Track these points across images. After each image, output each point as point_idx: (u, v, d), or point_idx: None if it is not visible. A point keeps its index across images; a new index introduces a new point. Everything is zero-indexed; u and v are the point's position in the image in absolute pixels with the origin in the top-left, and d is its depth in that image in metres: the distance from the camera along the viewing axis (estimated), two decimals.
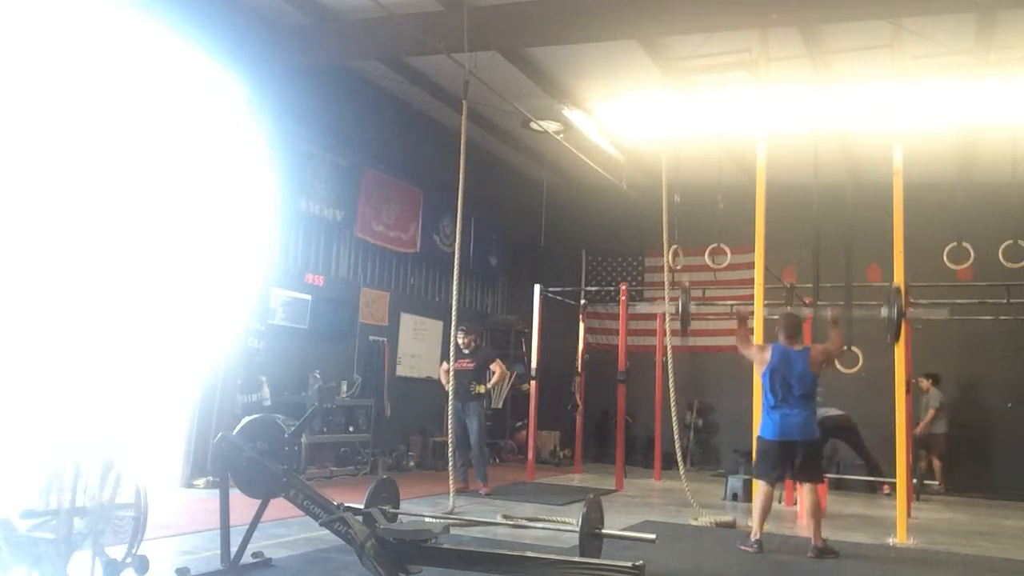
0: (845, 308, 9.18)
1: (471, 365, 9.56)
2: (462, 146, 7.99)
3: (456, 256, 8.16)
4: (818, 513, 6.63)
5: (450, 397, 8.11)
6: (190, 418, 8.73)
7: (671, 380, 8.85)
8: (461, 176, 7.96)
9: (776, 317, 7.39)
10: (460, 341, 9.39)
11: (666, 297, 9.51)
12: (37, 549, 3.92)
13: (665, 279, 9.45)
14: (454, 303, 8.16)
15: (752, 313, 7.83)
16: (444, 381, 9.61)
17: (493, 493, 9.30)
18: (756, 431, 7.06)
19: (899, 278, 7.88)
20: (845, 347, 8.14)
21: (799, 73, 9.22)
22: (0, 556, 3.86)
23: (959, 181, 10.80)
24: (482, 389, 9.76)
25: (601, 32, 8.56)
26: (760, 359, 6.88)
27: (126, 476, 4.22)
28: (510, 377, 13.98)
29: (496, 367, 9.80)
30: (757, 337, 8.04)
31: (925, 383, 11.83)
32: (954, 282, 10.69)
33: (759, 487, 6.86)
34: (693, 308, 13.45)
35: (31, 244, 7.00)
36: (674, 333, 10.33)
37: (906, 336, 8.19)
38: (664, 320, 10.97)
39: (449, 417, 8.07)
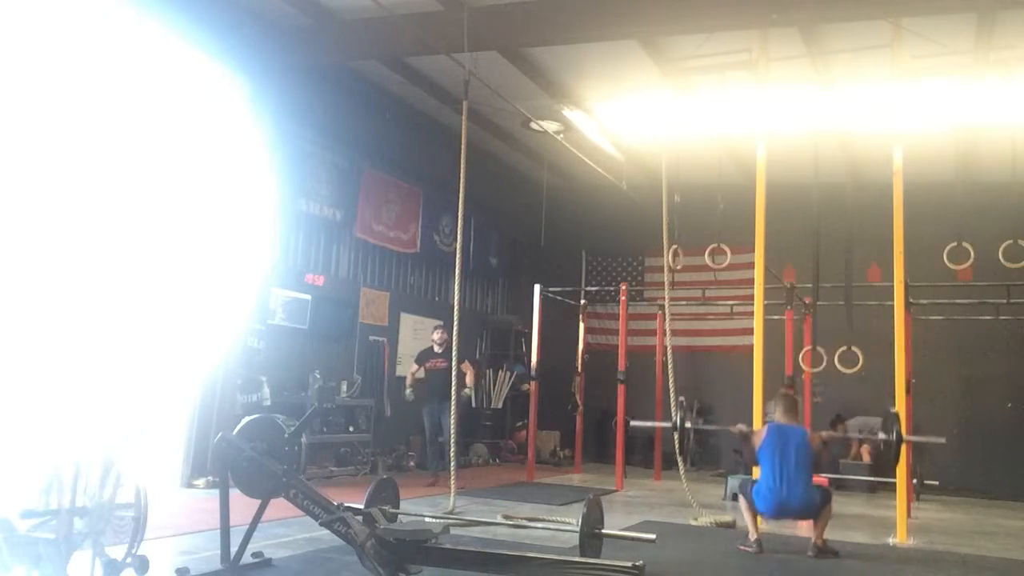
0: (845, 310, 9.22)
1: (444, 364, 9.59)
2: (462, 146, 8.00)
3: (456, 256, 8.17)
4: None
5: (408, 387, 9.34)
6: (190, 418, 8.74)
7: (671, 380, 8.84)
8: (462, 176, 7.97)
9: (771, 401, 7.34)
10: (435, 337, 9.74)
11: (666, 297, 9.50)
12: (37, 549, 3.92)
13: (665, 279, 9.45)
14: (455, 303, 8.16)
15: (750, 427, 7.55)
16: (409, 383, 10.08)
17: (488, 493, 9.30)
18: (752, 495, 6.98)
19: (899, 278, 7.89)
20: (845, 348, 8.15)
21: (799, 73, 9.23)
22: (0, 556, 3.86)
23: (959, 181, 10.79)
24: (470, 392, 9.96)
25: (601, 32, 8.56)
26: (758, 439, 6.75)
27: (126, 476, 4.22)
28: (510, 378, 14.03)
29: (466, 368, 9.83)
30: (757, 337, 8.07)
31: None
32: (954, 282, 10.69)
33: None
34: (693, 308, 13.58)
35: (32, 244, 7.00)
36: (674, 333, 10.32)
37: (906, 336, 8.20)
38: (664, 320, 10.97)
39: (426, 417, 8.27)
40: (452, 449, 8.07)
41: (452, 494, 7.88)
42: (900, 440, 6.72)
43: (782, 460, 6.49)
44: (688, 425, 7.77)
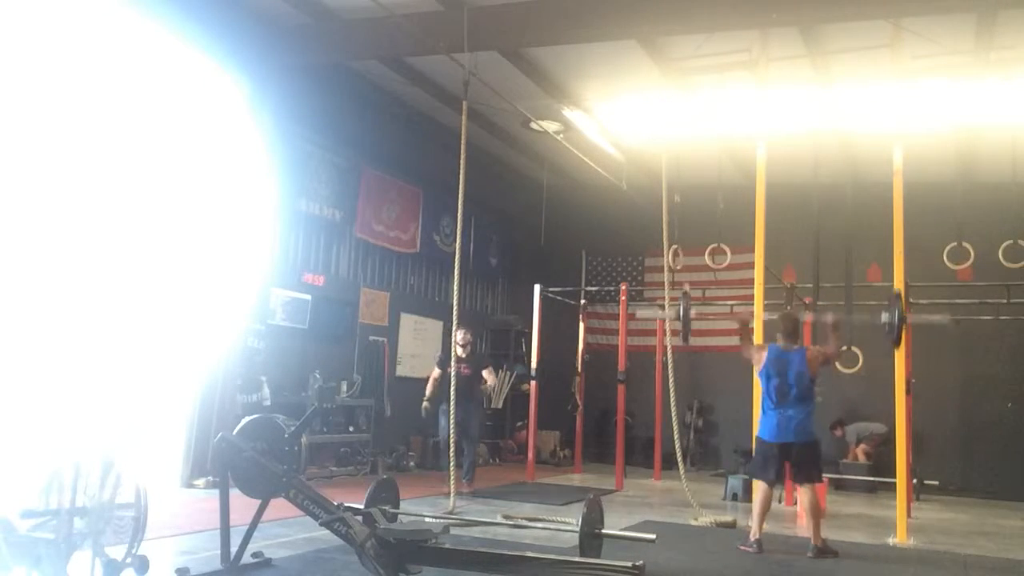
0: (845, 310, 9.22)
1: (468, 371, 9.31)
2: (462, 146, 7.99)
3: (456, 256, 8.15)
4: (817, 513, 6.65)
5: (426, 400, 9.20)
6: (190, 418, 8.73)
7: (671, 380, 8.84)
8: (461, 176, 7.96)
9: (775, 318, 7.38)
10: (458, 339, 8.99)
11: (666, 298, 9.50)
12: (37, 549, 3.92)
13: (665, 279, 9.45)
14: (454, 303, 8.16)
15: (752, 315, 7.82)
16: (430, 388, 9.47)
17: (487, 493, 9.29)
18: (756, 430, 7.07)
19: (899, 278, 7.89)
20: (844, 348, 8.14)
21: (799, 73, 9.23)
22: (0, 556, 3.86)
23: (959, 181, 10.79)
24: (490, 392, 9.84)
25: (601, 32, 8.56)
26: (757, 358, 6.89)
27: (126, 476, 4.22)
28: (510, 378, 14.03)
29: (488, 374, 9.65)
30: (757, 337, 8.05)
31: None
32: (954, 282, 10.69)
33: (758, 487, 6.87)
34: (693, 308, 13.55)
35: (32, 245, 7.00)
36: (674, 334, 10.32)
37: (906, 336, 8.20)
38: (664, 320, 10.97)
39: (452, 419, 8.00)
40: (452, 451, 7.98)
41: (452, 495, 7.87)
42: (903, 320, 6.71)
43: (781, 385, 6.65)
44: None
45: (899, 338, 6.86)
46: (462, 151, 7.96)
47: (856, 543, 7.24)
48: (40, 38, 7.03)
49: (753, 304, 8.45)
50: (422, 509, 7.33)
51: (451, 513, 7.35)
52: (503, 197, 14.55)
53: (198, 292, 8.79)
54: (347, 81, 10.97)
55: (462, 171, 7.93)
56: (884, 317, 6.96)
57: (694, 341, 14.02)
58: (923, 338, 11.05)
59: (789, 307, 10.51)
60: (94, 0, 7.59)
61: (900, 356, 7.84)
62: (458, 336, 8.91)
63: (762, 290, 8.39)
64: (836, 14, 7.99)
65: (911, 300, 9.47)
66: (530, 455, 11.62)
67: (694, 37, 8.70)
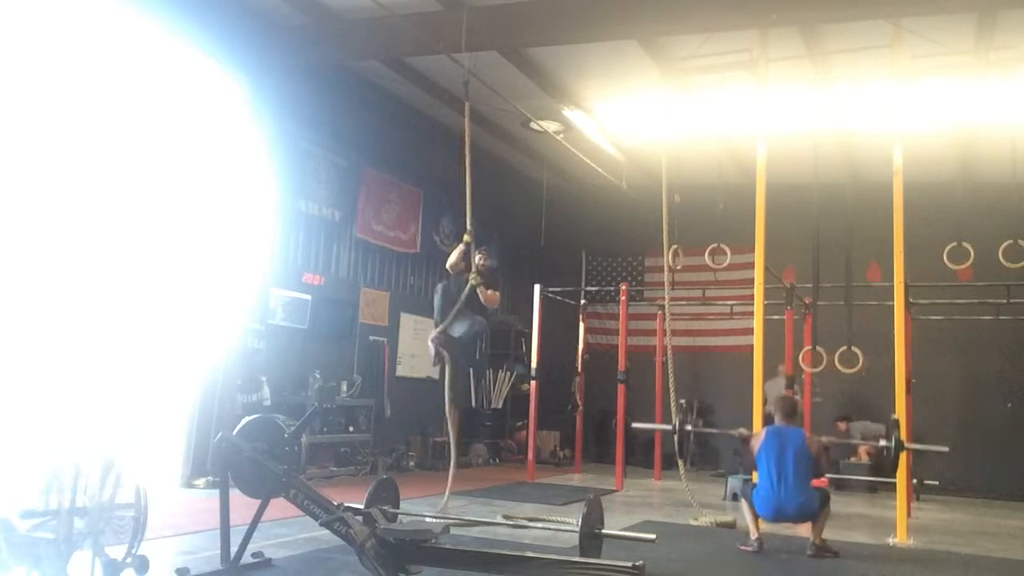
0: (845, 310, 9.22)
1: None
2: (467, 147, 7.90)
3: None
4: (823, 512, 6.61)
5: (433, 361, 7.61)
6: (190, 418, 8.73)
7: (671, 380, 8.84)
8: (468, 177, 7.66)
9: (771, 405, 7.27)
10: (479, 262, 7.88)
11: (666, 297, 9.49)
12: (37, 549, 3.92)
13: (665, 279, 9.44)
14: (447, 389, 8.04)
15: (748, 432, 7.52)
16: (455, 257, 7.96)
17: (487, 493, 9.28)
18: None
19: (899, 278, 7.89)
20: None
21: (799, 73, 9.23)
22: (0, 556, 3.86)
23: (959, 181, 10.80)
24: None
25: (601, 32, 8.56)
26: (755, 442, 6.72)
27: (126, 476, 4.22)
28: (510, 378, 14.00)
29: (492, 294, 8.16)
30: (757, 334, 8.07)
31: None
32: (954, 282, 10.69)
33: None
34: (693, 308, 13.57)
35: (32, 245, 7.00)
36: (674, 333, 10.32)
37: (907, 336, 8.20)
38: (664, 320, 10.97)
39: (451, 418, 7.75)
40: (454, 452, 7.79)
41: (447, 494, 7.84)
42: (900, 447, 6.71)
43: (780, 464, 6.46)
44: (688, 428, 7.73)
45: (896, 464, 6.89)
46: (467, 151, 7.82)
47: (856, 543, 7.24)
48: (40, 38, 7.03)
49: (753, 304, 8.45)
50: (422, 509, 7.32)
51: (444, 512, 7.26)
52: (503, 197, 14.53)
53: (198, 292, 8.79)
54: (347, 81, 10.96)
55: (468, 172, 7.53)
56: (883, 442, 6.98)
57: (694, 341, 14.17)
58: (923, 338, 11.06)
59: (782, 370, 10.83)
60: (94, 0, 7.59)
61: (900, 356, 7.84)
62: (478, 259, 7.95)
63: (762, 290, 8.39)
64: (836, 14, 7.99)
65: (911, 300, 9.46)
66: (530, 455, 11.62)
67: (694, 37, 8.69)
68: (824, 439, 7.07)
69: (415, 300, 12.94)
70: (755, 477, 6.89)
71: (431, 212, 13.01)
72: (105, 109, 7.65)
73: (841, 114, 9.18)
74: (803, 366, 10.18)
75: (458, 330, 7.95)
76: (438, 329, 7.79)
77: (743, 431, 7.02)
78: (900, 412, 7.72)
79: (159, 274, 8.34)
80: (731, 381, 12.49)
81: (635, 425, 9.40)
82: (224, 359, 8.93)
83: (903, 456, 7.00)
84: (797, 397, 10.45)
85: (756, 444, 6.69)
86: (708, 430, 11.41)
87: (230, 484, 4.97)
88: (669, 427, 7.98)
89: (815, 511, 6.49)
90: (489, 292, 8.03)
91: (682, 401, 8.39)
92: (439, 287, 8.11)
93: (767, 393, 8.55)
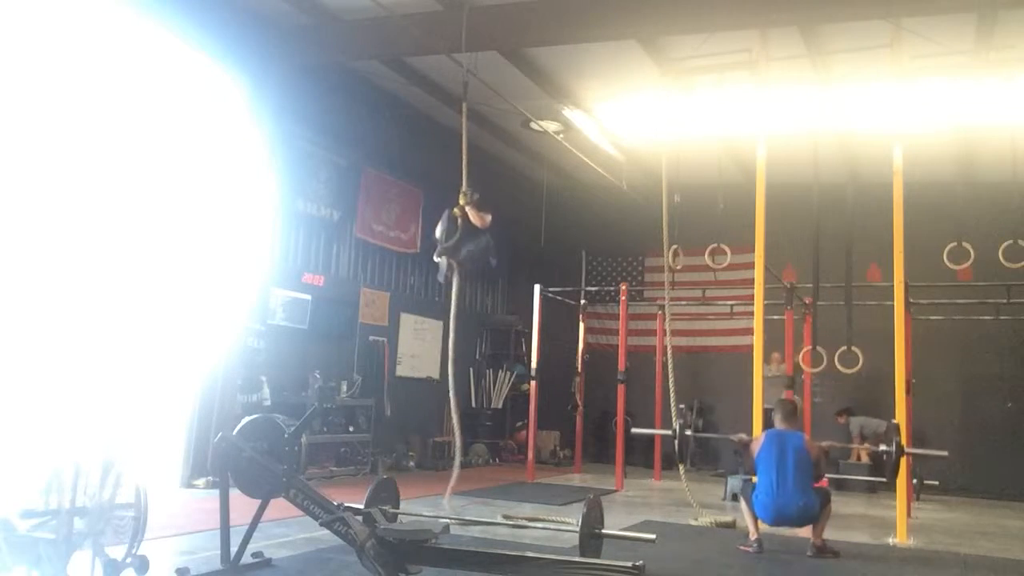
0: (845, 310, 9.22)
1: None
2: (463, 147, 7.93)
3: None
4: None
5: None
6: (190, 418, 8.73)
7: (671, 380, 8.84)
8: (466, 179, 7.71)
9: (771, 406, 7.26)
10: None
11: (666, 297, 9.50)
12: (37, 549, 3.92)
13: (665, 279, 9.44)
14: (453, 303, 8.10)
15: (748, 438, 7.50)
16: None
17: (488, 493, 9.28)
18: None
19: (899, 278, 7.89)
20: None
21: (799, 73, 9.22)
22: (0, 556, 3.86)
23: (959, 181, 10.79)
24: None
25: (601, 32, 8.55)
26: (755, 446, 6.72)
27: (126, 476, 4.22)
28: (510, 378, 14.00)
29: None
30: (757, 337, 8.06)
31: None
32: (954, 282, 10.69)
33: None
34: (693, 308, 13.57)
35: (32, 245, 7.00)
36: (674, 333, 10.32)
37: (906, 336, 8.20)
38: (664, 320, 10.97)
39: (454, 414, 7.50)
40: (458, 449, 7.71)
41: (448, 493, 7.83)
42: (900, 452, 6.71)
43: (780, 467, 6.46)
44: (688, 433, 7.71)
45: (897, 469, 6.88)
46: (463, 152, 7.86)
47: (856, 543, 7.24)
48: (40, 38, 7.03)
49: (753, 304, 8.45)
50: (422, 509, 7.32)
51: (445, 511, 7.25)
52: (503, 197, 14.50)
53: (198, 292, 8.79)
54: (347, 81, 10.96)
55: (464, 174, 7.62)
56: (883, 447, 6.97)
57: (694, 341, 14.17)
58: (923, 338, 11.05)
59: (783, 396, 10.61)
60: (94, 1, 7.59)
61: (900, 356, 7.84)
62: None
63: (762, 290, 8.39)
64: (836, 14, 7.99)
65: (911, 300, 9.47)
66: (530, 455, 11.62)
67: (694, 37, 8.69)
68: (824, 444, 7.06)
69: (415, 300, 12.95)
70: (755, 478, 6.89)
71: (431, 212, 12.98)
72: (105, 110, 7.65)
73: (841, 114, 9.17)
74: (803, 366, 10.18)
75: (466, 247, 7.91)
76: (446, 244, 7.64)
77: (743, 436, 7.02)
78: (900, 415, 7.73)
79: (159, 274, 8.34)
80: (731, 381, 12.49)
81: (635, 431, 9.47)
82: (224, 359, 8.93)
83: (903, 460, 7.00)
84: (797, 398, 10.46)
85: (756, 448, 6.69)
86: (708, 435, 11.41)
87: (230, 484, 4.98)
88: (669, 432, 7.97)
89: (817, 513, 6.49)
90: (480, 213, 7.71)
91: (682, 406, 8.36)
92: (445, 213, 7.87)
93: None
